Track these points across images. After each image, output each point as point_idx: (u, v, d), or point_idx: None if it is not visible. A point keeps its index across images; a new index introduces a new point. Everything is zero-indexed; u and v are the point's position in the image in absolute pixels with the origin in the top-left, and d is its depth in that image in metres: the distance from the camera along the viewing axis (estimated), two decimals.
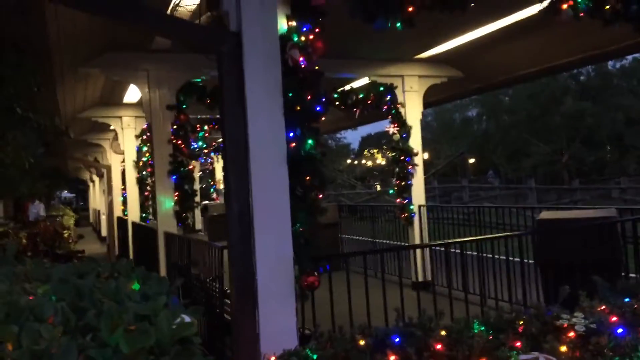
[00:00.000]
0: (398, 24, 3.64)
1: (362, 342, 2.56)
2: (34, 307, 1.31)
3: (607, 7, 4.04)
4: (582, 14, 3.97)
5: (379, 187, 38.09)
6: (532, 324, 2.64)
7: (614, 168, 36.07)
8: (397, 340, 2.51)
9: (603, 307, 2.85)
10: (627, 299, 3.03)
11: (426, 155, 42.50)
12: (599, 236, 4.54)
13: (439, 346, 2.42)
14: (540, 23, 4.91)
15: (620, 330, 2.44)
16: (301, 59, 3.28)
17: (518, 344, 2.39)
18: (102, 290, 1.56)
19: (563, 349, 2.31)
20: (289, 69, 3.27)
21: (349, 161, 50.77)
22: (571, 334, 2.45)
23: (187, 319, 1.52)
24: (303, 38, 3.29)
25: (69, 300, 1.41)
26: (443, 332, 2.62)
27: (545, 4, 3.98)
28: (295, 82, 3.29)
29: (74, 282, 1.61)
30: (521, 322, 2.70)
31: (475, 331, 2.63)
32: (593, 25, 4.22)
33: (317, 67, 3.38)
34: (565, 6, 3.92)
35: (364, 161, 49.18)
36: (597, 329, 2.46)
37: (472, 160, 45.19)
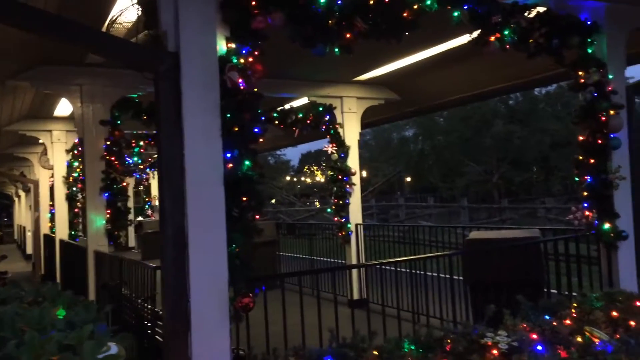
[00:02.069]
0: (336, 50, 3.75)
1: None
2: None
3: (531, 40, 4.32)
4: (507, 46, 4.22)
5: (318, 204, 38.32)
6: (460, 343, 2.75)
7: (540, 188, 37.99)
8: None
9: (525, 325, 3.01)
10: (547, 317, 3.22)
11: (365, 174, 43.30)
12: (524, 256, 4.77)
13: None
14: (470, 52, 5.15)
15: (540, 348, 2.59)
16: (240, 80, 3.30)
17: None
18: (25, 318, 1.50)
19: None
20: (227, 90, 3.28)
21: (288, 178, 50.81)
22: (495, 351, 2.58)
23: (114, 347, 1.49)
24: (242, 60, 3.31)
25: None
26: (375, 352, 2.68)
27: (474, 35, 4.20)
28: (234, 104, 3.30)
29: None
30: (449, 341, 2.81)
31: (406, 350, 2.71)
32: (518, 56, 4.50)
33: (256, 90, 3.40)
34: (492, 38, 4.15)
35: (303, 178, 49.39)
36: (519, 346, 2.60)
37: (408, 179, 46.36)
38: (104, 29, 4.60)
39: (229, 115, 3.29)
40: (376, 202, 33.96)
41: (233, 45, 3.34)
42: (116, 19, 4.38)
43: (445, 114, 39.70)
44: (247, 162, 3.37)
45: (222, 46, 3.32)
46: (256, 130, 3.43)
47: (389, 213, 31.56)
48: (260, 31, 3.40)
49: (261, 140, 3.56)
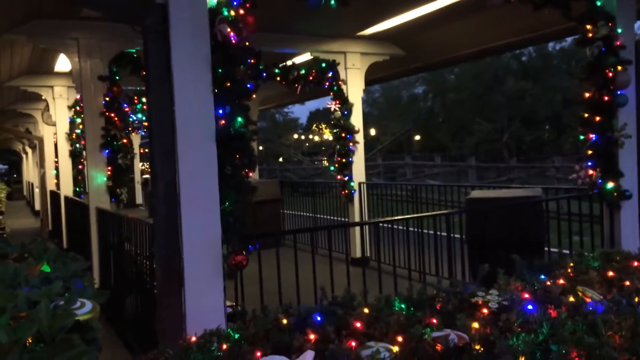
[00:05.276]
0: (332, 2, 3.61)
1: (284, 321, 2.58)
2: None
3: None
4: None
5: (326, 163, 38.21)
6: (450, 301, 2.73)
7: (551, 147, 37.56)
8: (318, 318, 2.54)
9: (519, 284, 2.98)
10: (542, 276, 3.19)
11: (373, 132, 42.94)
12: (524, 215, 4.72)
13: (358, 324, 2.47)
14: (476, 5, 4.98)
15: (530, 307, 2.55)
16: (231, 34, 3.20)
17: (434, 321, 2.46)
18: None
19: (475, 325, 2.40)
20: (218, 44, 3.18)
21: (296, 136, 50.56)
22: (485, 310, 2.55)
23: (89, 304, 1.48)
24: (233, 12, 3.20)
25: None
26: (366, 310, 2.67)
27: None
28: (225, 58, 3.21)
29: None
30: (440, 299, 2.79)
31: (396, 308, 2.69)
32: (527, 9, 4.32)
33: (247, 43, 3.30)
34: None
35: (311, 136, 49.14)
36: (509, 305, 2.57)
37: (417, 137, 45.99)
38: None
39: (220, 70, 3.20)
40: (383, 160, 33.82)
41: None
42: None
43: (456, 71, 39.01)
44: (239, 119, 3.30)
45: None
46: (249, 85, 3.35)
47: (397, 172, 31.47)
48: None
49: (254, 96, 3.49)
